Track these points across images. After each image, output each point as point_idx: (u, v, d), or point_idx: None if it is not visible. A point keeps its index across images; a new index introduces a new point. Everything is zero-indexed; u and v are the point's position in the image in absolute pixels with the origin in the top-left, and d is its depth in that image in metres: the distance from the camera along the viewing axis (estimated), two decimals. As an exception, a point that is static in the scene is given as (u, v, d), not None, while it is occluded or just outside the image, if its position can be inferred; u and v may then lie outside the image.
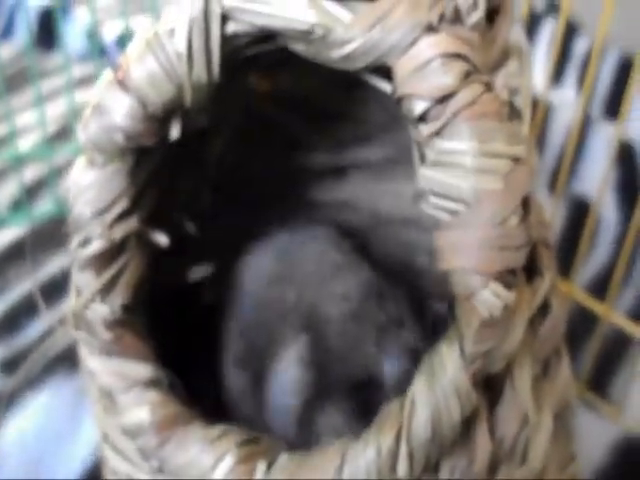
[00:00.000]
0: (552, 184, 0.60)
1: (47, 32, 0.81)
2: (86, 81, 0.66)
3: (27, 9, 0.59)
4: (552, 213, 0.47)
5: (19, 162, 0.61)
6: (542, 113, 0.47)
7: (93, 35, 0.63)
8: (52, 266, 0.56)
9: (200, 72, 0.28)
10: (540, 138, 0.63)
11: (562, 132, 0.65)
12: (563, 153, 0.46)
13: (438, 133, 0.24)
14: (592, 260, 0.59)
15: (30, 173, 0.66)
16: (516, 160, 0.24)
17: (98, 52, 0.62)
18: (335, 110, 0.43)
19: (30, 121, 0.71)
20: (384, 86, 0.27)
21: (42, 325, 0.51)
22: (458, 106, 0.24)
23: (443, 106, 0.24)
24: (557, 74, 0.73)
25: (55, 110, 0.73)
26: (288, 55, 0.39)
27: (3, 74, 0.73)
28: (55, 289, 0.54)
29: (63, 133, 0.70)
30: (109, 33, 0.82)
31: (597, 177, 0.44)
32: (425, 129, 0.24)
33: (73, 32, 0.83)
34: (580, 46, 0.77)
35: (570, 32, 0.75)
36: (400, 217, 0.45)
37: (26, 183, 0.64)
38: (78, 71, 0.76)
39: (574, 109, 0.64)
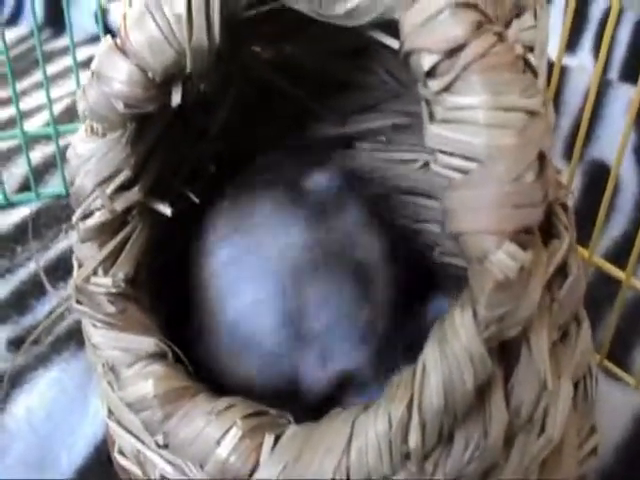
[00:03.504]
0: (569, 151, 0.59)
1: (58, 14, 0.80)
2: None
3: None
4: (569, 179, 0.45)
5: (27, 142, 0.61)
6: (558, 78, 0.46)
7: (100, 16, 0.62)
8: (60, 245, 0.56)
9: (200, 35, 0.27)
10: (556, 104, 0.62)
11: (579, 97, 0.64)
12: (580, 119, 0.44)
13: (448, 88, 0.23)
14: (612, 226, 0.57)
15: (38, 154, 0.65)
16: (531, 113, 0.22)
17: (106, 33, 0.61)
18: (341, 79, 0.42)
19: (40, 102, 0.70)
20: (391, 42, 0.26)
21: (50, 305, 0.51)
22: (469, 58, 0.22)
23: (453, 59, 0.23)
24: (573, 38, 0.72)
25: (66, 90, 0.73)
26: (292, 24, 0.39)
27: (14, 56, 0.73)
28: (63, 269, 0.53)
29: (71, 113, 0.69)
30: (117, 13, 0.81)
31: (616, 141, 0.43)
32: (434, 85, 0.23)
33: (82, 13, 0.82)
34: (597, 9, 0.75)
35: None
36: (411, 186, 0.44)
37: (34, 164, 0.63)
38: (87, 52, 0.75)
39: (591, 73, 0.62)
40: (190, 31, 0.27)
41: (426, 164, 0.43)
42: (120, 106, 0.28)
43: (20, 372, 0.45)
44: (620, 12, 0.71)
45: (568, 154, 0.59)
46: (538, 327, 0.25)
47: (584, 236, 0.44)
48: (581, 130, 0.44)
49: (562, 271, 0.26)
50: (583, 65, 0.72)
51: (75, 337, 0.48)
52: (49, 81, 0.60)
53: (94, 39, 0.80)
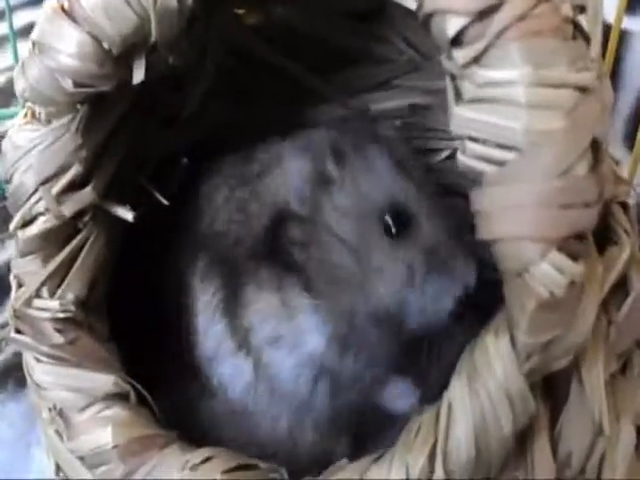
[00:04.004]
0: (630, 137, 0.59)
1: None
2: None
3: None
4: (631, 172, 0.46)
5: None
6: (616, 45, 0.46)
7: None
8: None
9: (168, -4, 0.27)
10: (614, 77, 0.62)
11: (643, 69, 0.64)
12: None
13: (478, 59, 0.23)
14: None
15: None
16: (583, 90, 0.23)
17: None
18: (346, 50, 0.43)
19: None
20: (407, 2, 0.26)
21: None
22: (505, 22, 0.23)
23: (485, 23, 0.23)
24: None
25: (1, 66, 0.73)
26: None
27: None
28: (-1, 288, 0.54)
29: (7, 95, 0.70)
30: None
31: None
32: (461, 55, 0.23)
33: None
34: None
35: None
36: (436, 183, 0.44)
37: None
38: (27, 17, 0.76)
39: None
40: (156, -9, 0.27)
41: (455, 154, 0.43)
42: (68, 84, 0.28)
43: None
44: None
45: (629, 140, 0.59)
46: (592, 357, 0.25)
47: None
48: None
49: (622, 287, 0.27)
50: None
51: (14, 374, 0.48)
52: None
53: (36, 1, 0.81)
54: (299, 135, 0.38)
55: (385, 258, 0.36)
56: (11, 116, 0.63)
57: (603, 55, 0.45)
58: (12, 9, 0.59)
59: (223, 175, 0.39)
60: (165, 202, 0.36)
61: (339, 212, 0.36)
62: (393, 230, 0.36)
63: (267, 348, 0.36)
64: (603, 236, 0.26)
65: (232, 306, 0.36)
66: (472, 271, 0.36)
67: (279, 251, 0.36)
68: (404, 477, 0.23)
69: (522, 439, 0.24)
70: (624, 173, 0.36)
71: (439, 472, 0.23)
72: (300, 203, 0.36)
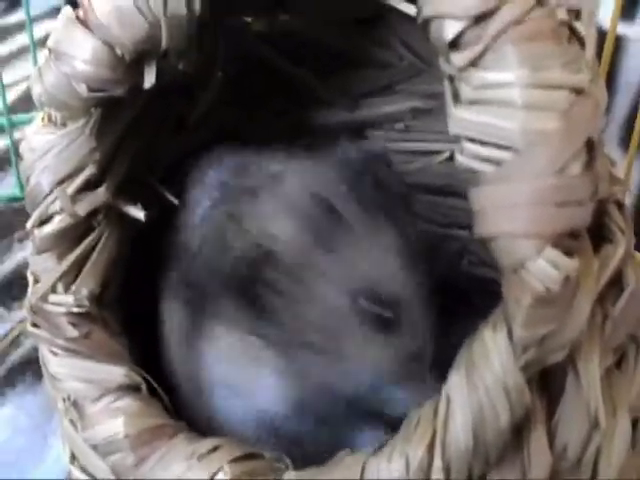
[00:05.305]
0: (626, 139, 0.59)
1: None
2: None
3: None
4: (626, 173, 0.45)
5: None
6: (611, 50, 0.46)
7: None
8: (14, 258, 0.56)
9: (178, 3, 0.27)
10: (610, 82, 0.62)
11: (638, 73, 0.63)
12: (639, 99, 0.44)
13: (476, 62, 0.23)
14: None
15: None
16: (578, 92, 0.22)
17: (70, 4, 0.62)
18: (349, 55, 0.43)
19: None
20: (407, 8, 0.26)
21: (3, 330, 0.51)
22: (501, 25, 0.22)
23: (482, 27, 0.23)
24: (630, 2, 0.71)
25: (22, 74, 0.73)
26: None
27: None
28: (18, 286, 0.54)
29: (28, 101, 0.70)
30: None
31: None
32: (459, 58, 0.23)
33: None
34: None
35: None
36: (435, 184, 0.44)
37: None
38: (47, 28, 0.76)
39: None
40: (165, -1, 0.27)
41: (453, 156, 0.43)
42: (83, 89, 0.28)
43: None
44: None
45: (625, 143, 0.59)
46: (588, 351, 0.25)
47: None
48: None
49: (617, 283, 0.26)
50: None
51: (32, 367, 0.48)
52: (2, 63, 0.60)
53: (56, 12, 0.81)
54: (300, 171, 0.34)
55: (359, 348, 0.31)
56: (32, 121, 0.63)
57: (599, 59, 0.45)
58: (32, 20, 0.59)
59: (208, 184, 0.36)
60: (176, 202, 0.36)
61: (325, 277, 0.32)
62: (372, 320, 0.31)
63: (218, 390, 0.33)
64: (599, 235, 0.26)
65: (193, 339, 0.34)
66: None
67: (254, 292, 0.32)
68: (404, 467, 0.23)
69: (519, 432, 0.24)
70: (620, 174, 0.36)
71: (438, 462, 0.23)
72: (288, 248, 0.32)
